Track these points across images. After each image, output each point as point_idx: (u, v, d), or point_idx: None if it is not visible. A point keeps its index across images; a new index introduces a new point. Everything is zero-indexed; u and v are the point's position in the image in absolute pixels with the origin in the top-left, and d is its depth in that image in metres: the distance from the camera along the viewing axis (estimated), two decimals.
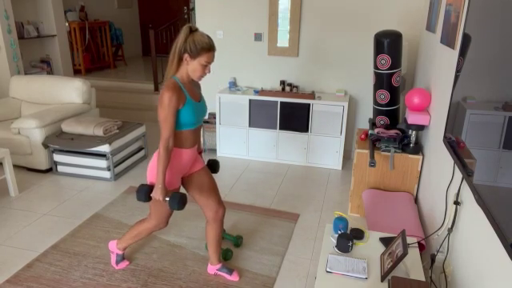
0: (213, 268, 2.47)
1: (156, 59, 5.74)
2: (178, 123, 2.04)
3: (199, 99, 2.14)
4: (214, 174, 3.92)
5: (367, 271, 1.84)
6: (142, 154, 4.27)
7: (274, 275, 2.50)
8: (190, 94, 2.06)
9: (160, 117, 1.97)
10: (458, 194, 1.91)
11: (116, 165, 3.82)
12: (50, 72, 6.05)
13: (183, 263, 2.59)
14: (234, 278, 2.43)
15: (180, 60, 2.00)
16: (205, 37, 1.97)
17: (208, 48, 1.96)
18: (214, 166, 2.49)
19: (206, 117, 4.51)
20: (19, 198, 3.43)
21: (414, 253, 1.97)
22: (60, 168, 3.89)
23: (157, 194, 2.05)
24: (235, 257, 2.66)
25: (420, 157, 2.91)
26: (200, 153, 2.41)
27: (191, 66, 1.99)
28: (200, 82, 2.23)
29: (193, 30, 1.97)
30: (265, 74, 4.44)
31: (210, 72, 2.06)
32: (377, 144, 3.07)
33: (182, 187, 2.33)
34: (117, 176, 3.84)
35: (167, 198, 2.08)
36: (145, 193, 2.10)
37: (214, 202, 2.32)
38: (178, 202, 2.04)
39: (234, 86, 4.40)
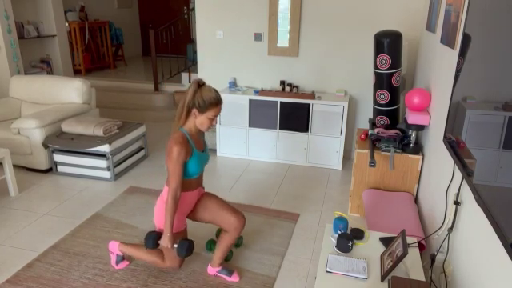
0: (213, 270, 2.47)
1: (156, 59, 5.73)
2: (185, 173, 2.16)
3: (203, 148, 2.27)
4: (214, 174, 3.93)
5: (367, 271, 1.84)
6: (142, 153, 4.27)
7: (274, 275, 2.50)
8: (196, 145, 2.20)
9: (168, 168, 2.09)
10: (457, 194, 1.91)
11: (116, 165, 3.82)
12: (50, 72, 6.05)
13: (183, 263, 2.59)
14: (234, 278, 2.43)
15: (188, 113, 2.12)
16: (212, 92, 2.10)
17: (216, 103, 2.10)
18: None
19: None
20: (19, 198, 3.43)
21: (414, 253, 1.97)
22: (60, 168, 3.89)
23: (165, 242, 2.16)
24: (235, 257, 2.66)
25: (420, 157, 2.91)
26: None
27: (199, 120, 2.13)
28: None
29: (200, 85, 2.09)
30: (265, 74, 4.44)
31: (216, 123, 2.16)
32: (377, 144, 3.07)
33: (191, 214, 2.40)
34: (117, 176, 3.84)
35: (175, 245, 2.19)
36: (153, 240, 2.20)
37: (230, 215, 2.32)
38: (186, 249, 2.17)
39: (234, 85, 4.40)
